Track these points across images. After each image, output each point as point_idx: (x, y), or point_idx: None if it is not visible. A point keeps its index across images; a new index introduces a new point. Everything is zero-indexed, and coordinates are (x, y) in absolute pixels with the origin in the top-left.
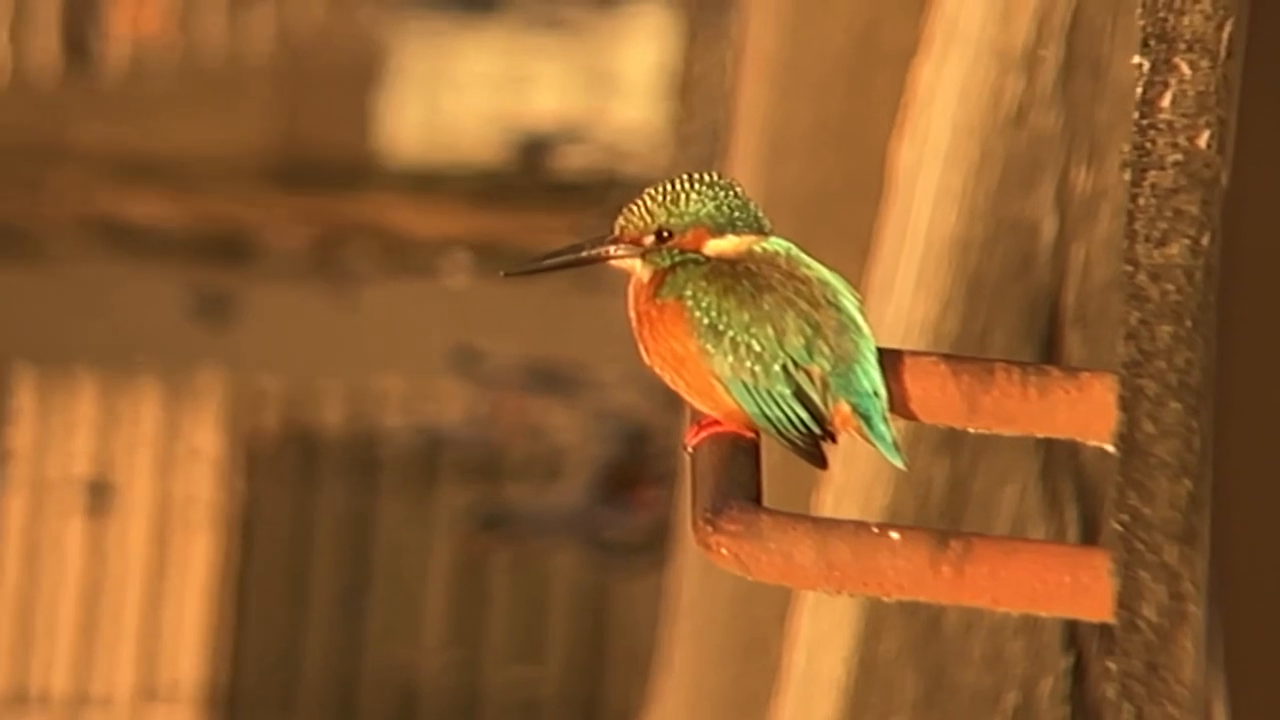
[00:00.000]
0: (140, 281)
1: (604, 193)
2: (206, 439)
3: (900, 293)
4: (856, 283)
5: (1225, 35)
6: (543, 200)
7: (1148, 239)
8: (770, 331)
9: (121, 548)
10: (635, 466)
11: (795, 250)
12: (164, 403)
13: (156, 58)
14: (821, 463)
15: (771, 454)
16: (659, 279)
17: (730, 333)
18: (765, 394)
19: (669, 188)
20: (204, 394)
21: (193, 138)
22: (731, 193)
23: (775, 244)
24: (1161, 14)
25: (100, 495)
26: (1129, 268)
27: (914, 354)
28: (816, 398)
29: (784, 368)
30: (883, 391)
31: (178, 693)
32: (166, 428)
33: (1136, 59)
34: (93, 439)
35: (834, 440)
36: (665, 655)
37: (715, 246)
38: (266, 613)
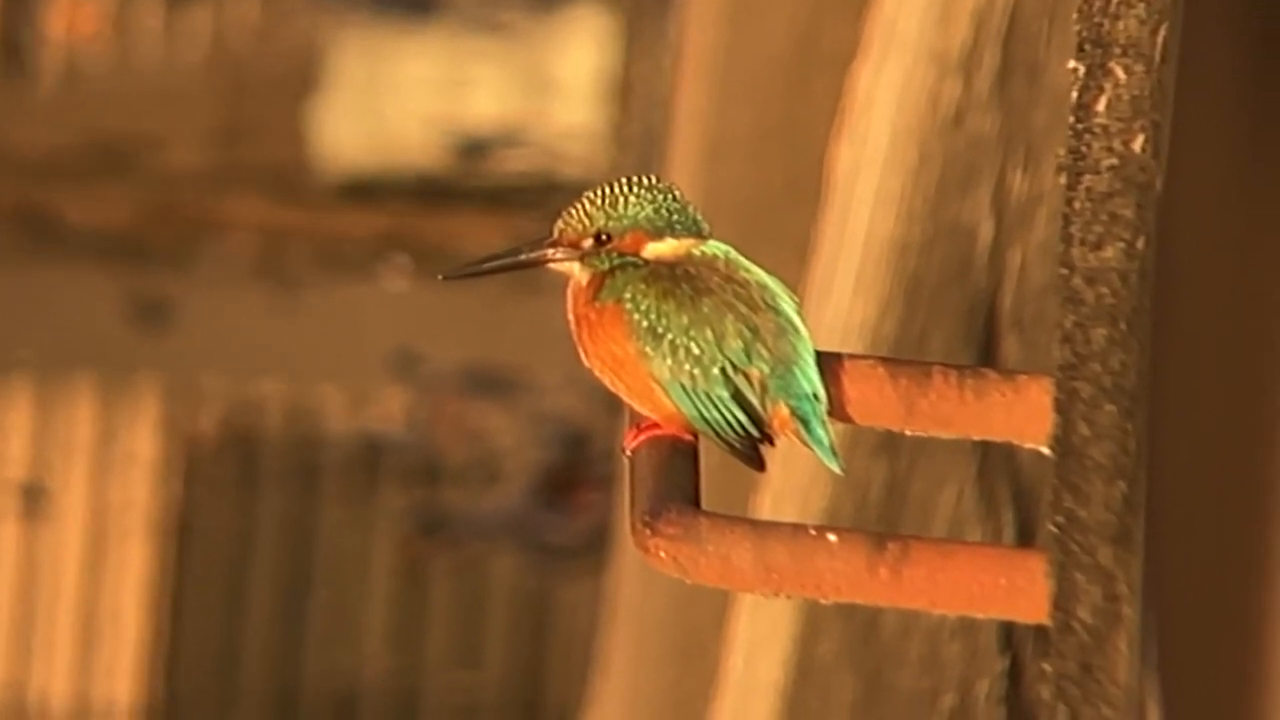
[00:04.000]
0: (77, 285)
1: (543, 196)
2: (144, 444)
3: (839, 295)
4: (795, 286)
5: (1160, 40)
6: (481, 204)
7: (1083, 242)
8: (709, 334)
9: (56, 553)
10: (574, 470)
11: (734, 253)
12: (101, 407)
13: (93, 60)
14: (760, 465)
15: (710, 457)
16: (598, 282)
17: (669, 335)
18: (704, 396)
19: (607, 191)
20: (141, 398)
21: (129, 141)
22: (670, 196)
23: (714, 247)
24: (1097, 19)
25: (35, 500)
26: (1064, 271)
27: (852, 357)
28: (755, 400)
29: (722, 370)
30: (821, 394)
31: (114, 700)
32: (103, 432)
33: (1072, 63)
34: (28, 443)
35: (772, 443)
36: (604, 659)
37: (654, 250)
38: (205, 619)
